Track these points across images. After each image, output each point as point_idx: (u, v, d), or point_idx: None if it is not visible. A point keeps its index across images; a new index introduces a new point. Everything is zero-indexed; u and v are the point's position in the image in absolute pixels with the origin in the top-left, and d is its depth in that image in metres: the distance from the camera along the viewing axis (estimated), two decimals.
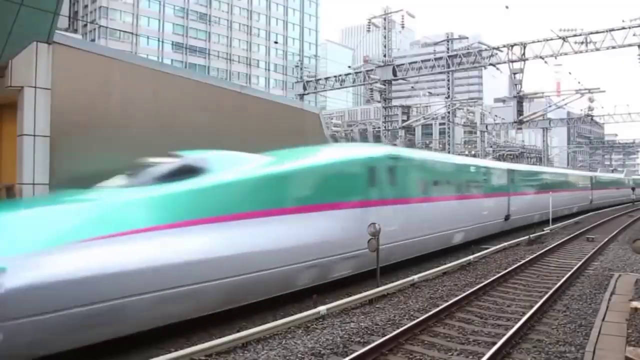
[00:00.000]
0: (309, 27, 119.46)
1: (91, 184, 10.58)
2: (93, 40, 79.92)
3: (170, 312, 9.29)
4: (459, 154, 57.85)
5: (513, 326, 10.05)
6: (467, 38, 49.60)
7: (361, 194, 14.40)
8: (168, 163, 10.96)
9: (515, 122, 38.89)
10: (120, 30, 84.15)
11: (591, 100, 51.21)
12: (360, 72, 45.99)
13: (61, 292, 7.54)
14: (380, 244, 13.23)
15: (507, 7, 44.95)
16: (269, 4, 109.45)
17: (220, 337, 9.43)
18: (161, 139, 14.89)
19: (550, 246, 22.46)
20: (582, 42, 33.46)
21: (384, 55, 44.03)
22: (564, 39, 33.74)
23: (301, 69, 52.09)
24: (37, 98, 12.72)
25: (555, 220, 32.65)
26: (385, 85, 42.26)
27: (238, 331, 10.02)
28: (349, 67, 58.01)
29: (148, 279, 8.71)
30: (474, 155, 63.45)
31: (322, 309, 11.21)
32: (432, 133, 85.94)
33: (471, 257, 19.12)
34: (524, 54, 34.89)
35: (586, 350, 8.73)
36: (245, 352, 9.02)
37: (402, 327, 10.13)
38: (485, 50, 37.89)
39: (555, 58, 34.67)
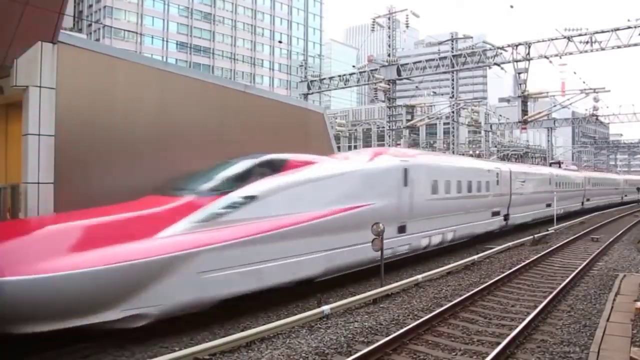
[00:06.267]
0: (313, 26, 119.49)
1: None
2: (98, 39, 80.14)
3: None
4: (462, 154, 57.79)
5: (517, 326, 10.04)
6: (472, 38, 49.33)
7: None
8: None
9: (519, 121, 38.73)
10: (124, 30, 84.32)
11: (596, 100, 51.05)
12: (364, 71, 45.87)
13: None
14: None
15: (511, 6, 44.92)
16: (273, 3, 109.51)
17: (224, 337, 9.46)
18: (166, 138, 14.94)
19: (555, 246, 22.42)
20: (587, 42, 33.31)
21: (388, 55, 43.87)
22: (569, 38, 33.60)
23: (305, 68, 52.04)
24: (41, 97, 12.73)
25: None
26: (389, 84, 42.16)
27: (242, 330, 10.04)
28: (353, 66, 57.91)
29: None
30: (479, 156, 63.27)
31: (326, 308, 11.22)
32: (436, 133, 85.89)
33: (475, 257, 19.11)
34: (528, 53, 34.75)
35: (590, 351, 8.72)
36: (249, 351, 9.03)
37: (406, 326, 10.13)
38: (490, 49, 37.76)
39: (560, 58, 34.54)
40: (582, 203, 43.93)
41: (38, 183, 11.97)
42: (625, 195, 65.29)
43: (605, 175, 61.39)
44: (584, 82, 41.69)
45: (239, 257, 10.73)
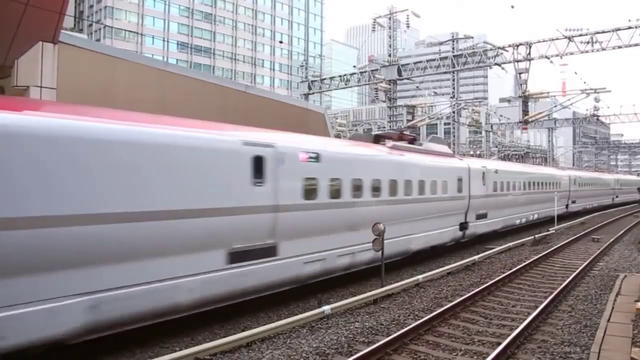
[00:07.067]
0: (314, 26, 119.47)
1: None
2: (98, 40, 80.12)
3: None
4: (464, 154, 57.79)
5: (518, 326, 10.04)
6: (473, 38, 49.39)
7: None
8: None
9: (520, 122, 38.73)
10: (125, 30, 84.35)
11: (597, 100, 50.97)
12: (365, 71, 45.88)
13: None
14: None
15: (512, 6, 44.82)
16: (274, 3, 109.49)
17: (224, 337, 9.46)
18: None
19: (556, 246, 22.42)
20: (588, 42, 33.32)
21: (389, 55, 43.85)
22: (570, 38, 33.60)
23: (306, 68, 52.07)
24: (42, 98, 12.77)
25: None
26: (390, 84, 42.17)
27: (242, 330, 10.05)
28: (354, 66, 57.93)
29: None
30: (479, 155, 63.27)
31: (326, 308, 11.22)
32: (437, 133, 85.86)
33: (476, 257, 19.12)
34: (529, 53, 34.77)
35: (591, 351, 8.71)
36: (250, 351, 9.03)
37: (406, 327, 10.12)
38: (491, 50, 37.78)
39: (561, 58, 34.56)
40: (464, 226, 21.95)
41: None
42: (574, 202, 42.17)
43: (529, 169, 36.79)
44: (584, 82, 41.68)
45: None
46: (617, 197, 60.50)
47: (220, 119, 13.06)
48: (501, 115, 76.68)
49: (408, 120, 45.48)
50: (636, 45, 31.88)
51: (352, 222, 14.28)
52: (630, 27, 32.06)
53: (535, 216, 32.43)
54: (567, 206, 40.29)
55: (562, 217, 35.82)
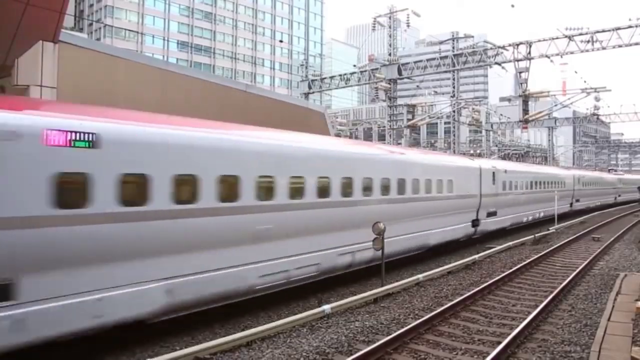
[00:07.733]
0: (314, 25, 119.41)
1: None
2: (98, 39, 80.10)
3: None
4: (464, 154, 57.76)
5: (518, 325, 10.04)
6: (473, 37, 49.35)
7: None
8: None
9: (520, 121, 38.67)
10: (125, 29, 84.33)
11: (597, 99, 51.08)
12: (365, 71, 45.81)
13: None
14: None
15: (512, 6, 44.77)
16: (274, 2, 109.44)
17: (224, 336, 9.47)
18: None
19: (556, 245, 22.41)
20: (588, 41, 33.26)
21: (389, 54, 43.76)
22: (570, 37, 33.56)
23: (306, 67, 52.03)
24: (43, 97, 12.77)
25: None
26: (390, 84, 42.10)
27: (243, 329, 10.05)
28: (354, 66, 57.81)
29: None
30: (480, 155, 63.22)
31: (326, 307, 11.22)
32: (437, 132, 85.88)
33: (476, 256, 19.11)
34: (529, 52, 34.73)
35: (592, 350, 8.71)
36: (250, 350, 9.04)
37: (406, 326, 10.13)
38: (491, 49, 37.73)
39: (561, 57, 34.52)
40: None
41: None
42: (493, 214, 25.71)
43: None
44: (585, 82, 41.66)
45: None
46: (577, 200, 44.77)
47: (222, 118, 13.05)
48: (501, 115, 76.65)
49: (408, 120, 45.48)
50: (636, 44, 31.82)
51: None
52: (630, 26, 32.01)
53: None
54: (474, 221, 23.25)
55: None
